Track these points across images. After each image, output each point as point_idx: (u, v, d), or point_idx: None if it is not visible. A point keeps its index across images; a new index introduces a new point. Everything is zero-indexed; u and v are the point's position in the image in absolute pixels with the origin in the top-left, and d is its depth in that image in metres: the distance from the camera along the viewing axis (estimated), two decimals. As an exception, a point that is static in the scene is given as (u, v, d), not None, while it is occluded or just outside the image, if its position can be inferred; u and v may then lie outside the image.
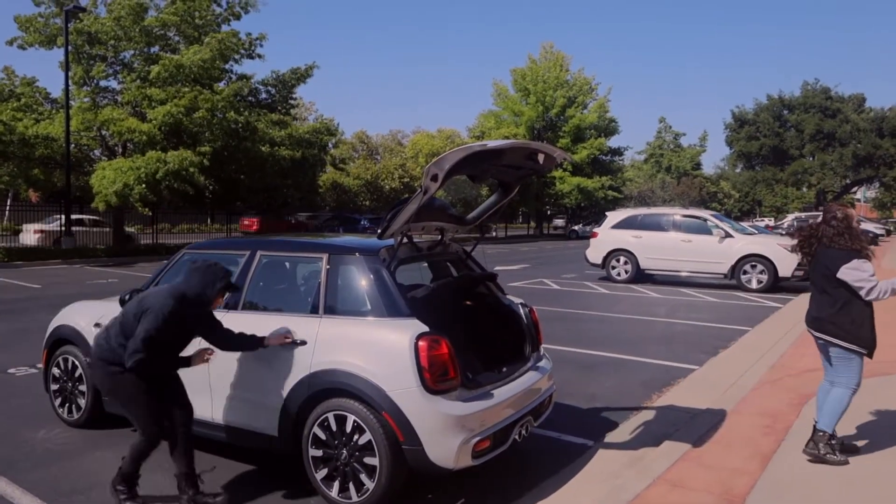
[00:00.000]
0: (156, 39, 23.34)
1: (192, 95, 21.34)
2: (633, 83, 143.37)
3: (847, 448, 4.24)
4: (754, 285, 14.12)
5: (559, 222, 56.45)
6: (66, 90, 21.89)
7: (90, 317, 4.90)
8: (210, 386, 4.11)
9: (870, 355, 4.08)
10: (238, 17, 25.08)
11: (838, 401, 4.13)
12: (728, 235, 14.67)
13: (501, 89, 48.39)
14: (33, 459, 4.38)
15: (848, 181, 68.34)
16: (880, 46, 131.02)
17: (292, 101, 28.84)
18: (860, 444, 4.40)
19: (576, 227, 48.39)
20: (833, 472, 4.01)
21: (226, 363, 4.06)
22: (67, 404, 4.99)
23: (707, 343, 8.46)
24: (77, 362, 4.89)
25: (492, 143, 3.58)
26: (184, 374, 4.24)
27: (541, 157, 3.98)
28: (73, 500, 3.80)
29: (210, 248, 5.06)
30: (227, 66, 24.73)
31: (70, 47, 21.82)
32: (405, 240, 4.14)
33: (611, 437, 4.79)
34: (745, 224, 19.65)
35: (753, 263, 14.22)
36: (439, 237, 4.55)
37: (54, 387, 5.08)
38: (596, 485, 3.87)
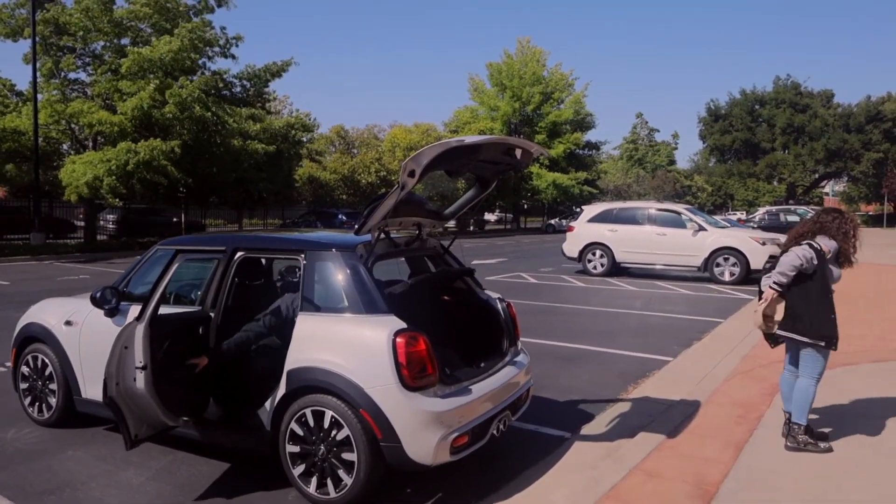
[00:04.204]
0: (126, 31, 22.88)
1: (157, 84, 20.95)
2: (610, 76, 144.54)
3: (817, 436, 4.35)
4: (727, 278, 14.35)
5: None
6: (34, 82, 21.36)
7: (60, 314, 4.81)
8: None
9: (831, 347, 4.16)
10: (212, 11, 24.71)
11: (804, 392, 4.24)
12: (701, 229, 14.88)
13: (478, 84, 48.34)
14: (3, 459, 4.30)
15: (817, 175, 69.84)
16: (848, 42, 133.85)
17: (266, 96, 28.51)
18: (828, 431, 4.51)
19: (552, 221, 48.69)
20: (803, 460, 4.11)
21: None
22: (38, 403, 4.90)
23: (681, 335, 8.59)
24: (47, 360, 4.79)
25: (469, 139, 3.58)
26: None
27: (518, 153, 3.99)
28: (44, 500, 3.74)
29: (185, 244, 4.99)
30: (201, 62, 24.37)
31: (37, 38, 21.29)
32: (382, 235, 4.13)
33: (587, 429, 4.84)
34: (717, 217, 19.94)
35: (726, 256, 14.45)
36: (417, 232, 4.54)
37: (24, 386, 4.98)
38: (573, 476, 3.91)
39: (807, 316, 4.14)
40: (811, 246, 4.16)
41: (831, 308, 4.15)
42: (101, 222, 27.43)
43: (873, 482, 3.81)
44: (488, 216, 52.78)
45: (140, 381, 3.69)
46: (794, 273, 4.13)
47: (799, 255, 4.13)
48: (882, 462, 4.10)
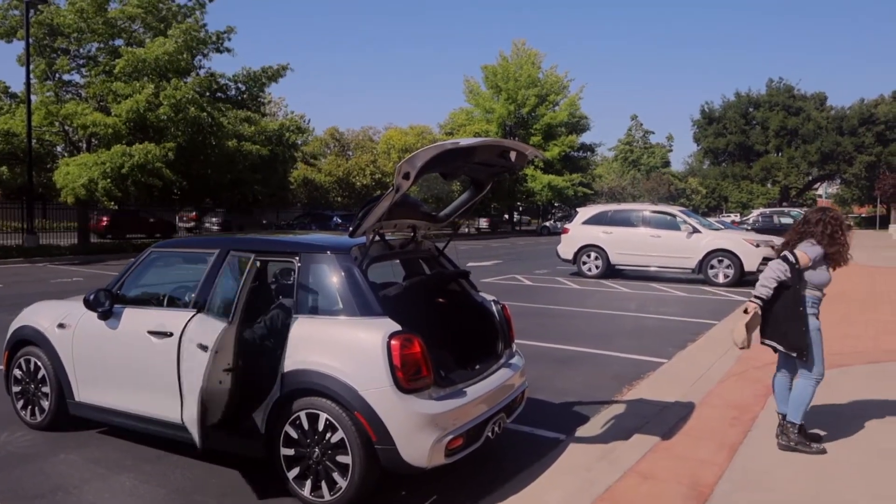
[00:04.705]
0: (120, 32, 22.82)
1: (152, 89, 20.91)
2: (606, 77, 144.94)
3: (810, 437, 4.36)
4: (721, 279, 14.40)
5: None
6: (27, 83, 21.29)
7: (53, 317, 4.79)
8: (179, 387, 4.04)
9: (802, 357, 4.19)
10: (203, 7, 24.64)
11: (802, 392, 4.27)
12: (695, 231, 14.93)
13: (473, 86, 48.43)
14: (-5, 464, 4.27)
15: (810, 178, 70.21)
16: (841, 45, 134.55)
17: (262, 99, 28.48)
18: (822, 433, 4.53)
19: (547, 224, 48.79)
20: (797, 462, 4.12)
21: (196, 364, 3.99)
22: (30, 406, 4.87)
23: (676, 337, 8.61)
24: (40, 363, 4.76)
25: (464, 142, 3.58)
26: (151, 373, 4.17)
27: (513, 155, 3.99)
28: (36, 503, 3.72)
29: (179, 246, 4.98)
30: (195, 62, 24.31)
31: (31, 40, 21.21)
32: (377, 238, 4.13)
33: (582, 431, 4.84)
34: (711, 220, 20.00)
35: (720, 258, 14.50)
36: (411, 235, 4.54)
37: (16, 389, 4.95)
38: (568, 478, 3.91)
39: (784, 325, 4.20)
40: (786, 259, 4.20)
41: (803, 320, 4.17)
42: (207, 224, 31.42)
43: (867, 484, 3.83)
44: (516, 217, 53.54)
45: (226, 383, 3.71)
46: (774, 286, 4.19)
47: (774, 269, 4.20)
48: (876, 464, 4.11)
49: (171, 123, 21.78)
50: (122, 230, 27.81)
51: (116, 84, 21.41)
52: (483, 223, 50.95)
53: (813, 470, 4.00)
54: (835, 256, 4.24)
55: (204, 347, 3.68)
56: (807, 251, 4.21)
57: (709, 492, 3.67)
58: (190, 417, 3.79)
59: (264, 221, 32.39)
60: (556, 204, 50.30)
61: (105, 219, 28.04)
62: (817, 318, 4.27)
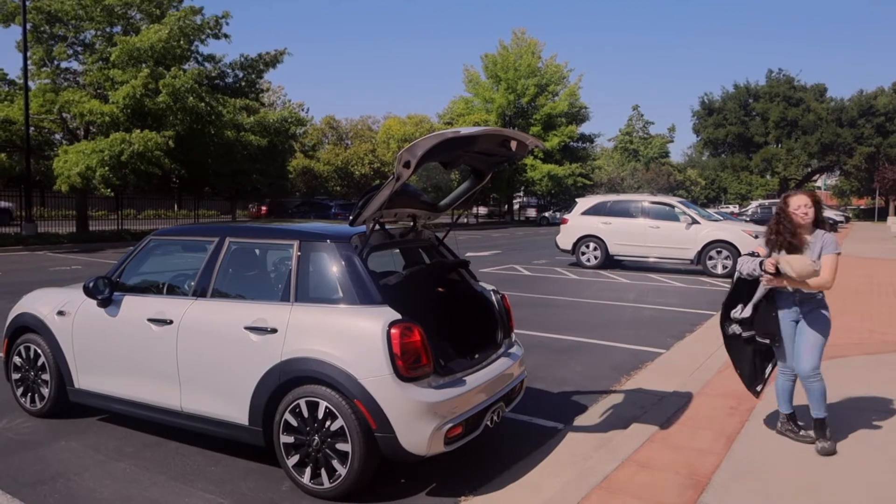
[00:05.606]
0: (118, 19, 22.66)
1: (148, 73, 20.76)
2: (605, 68, 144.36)
3: (799, 425, 4.39)
4: (720, 270, 14.43)
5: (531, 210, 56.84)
6: (25, 71, 21.15)
7: (52, 304, 4.79)
8: (178, 374, 4.06)
9: (772, 342, 4.25)
10: None
11: (776, 384, 4.40)
12: (694, 222, 14.95)
13: (473, 75, 48.23)
14: (-5, 450, 4.28)
15: (810, 169, 70.18)
16: (841, 37, 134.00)
17: (260, 86, 28.33)
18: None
19: (546, 214, 48.80)
20: (794, 452, 4.14)
21: (194, 350, 4.01)
22: (30, 394, 4.88)
23: (674, 327, 8.63)
24: (39, 351, 4.77)
25: (464, 130, 3.57)
26: (151, 361, 4.18)
27: (513, 144, 3.98)
28: (38, 490, 3.73)
29: (178, 234, 4.98)
30: (192, 47, 24.14)
31: (29, 26, 21.06)
32: (377, 226, 4.13)
33: (580, 420, 4.87)
34: (710, 211, 20.00)
35: (719, 249, 14.53)
36: (411, 224, 4.54)
37: (16, 376, 4.96)
38: (566, 466, 3.94)
39: (756, 313, 4.27)
40: (750, 254, 4.23)
41: (774, 308, 4.20)
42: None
43: (864, 474, 3.85)
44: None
45: None
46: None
47: (741, 263, 4.24)
48: (872, 454, 4.13)
49: (170, 111, 21.68)
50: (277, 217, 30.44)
51: (114, 71, 21.29)
52: (531, 213, 53.80)
53: (810, 460, 4.03)
54: (775, 242, 4.10)
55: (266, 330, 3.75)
56: (760, 242, 4.25)
57: (706, 481, 3.69)
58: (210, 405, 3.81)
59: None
60: (554, 193, 50.34)
61: (264, 208, 33.05)
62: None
